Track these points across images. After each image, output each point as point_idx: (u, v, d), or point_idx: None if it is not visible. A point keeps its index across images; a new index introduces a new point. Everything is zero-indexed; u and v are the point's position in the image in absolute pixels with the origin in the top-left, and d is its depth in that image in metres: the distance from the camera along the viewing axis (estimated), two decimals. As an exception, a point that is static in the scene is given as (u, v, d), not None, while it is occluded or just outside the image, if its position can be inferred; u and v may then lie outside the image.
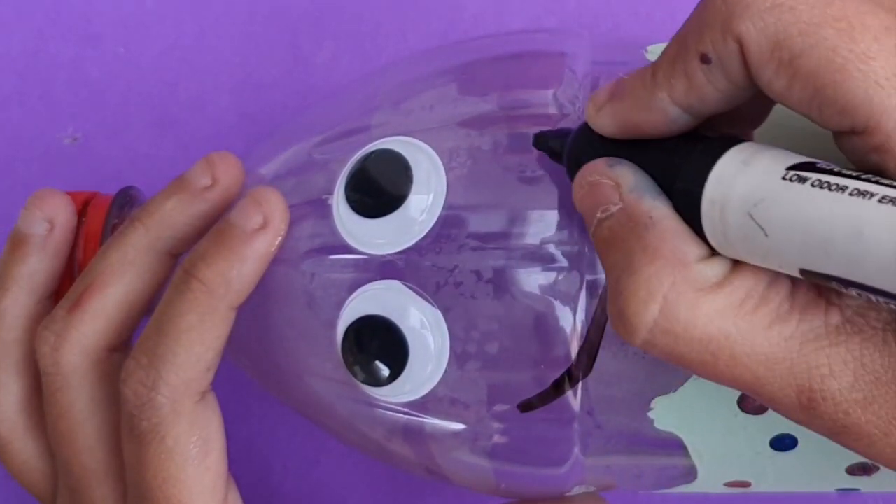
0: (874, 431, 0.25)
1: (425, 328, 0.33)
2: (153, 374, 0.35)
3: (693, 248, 0.27)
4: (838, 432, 0.26)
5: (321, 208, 0.35)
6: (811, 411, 0.26)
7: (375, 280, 0.34)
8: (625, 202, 0.28)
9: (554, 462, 0.35)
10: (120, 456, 0.37)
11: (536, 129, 0.33)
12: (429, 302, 0.33)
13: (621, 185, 0.28)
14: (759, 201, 0.25)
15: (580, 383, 0.33)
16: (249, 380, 0.42)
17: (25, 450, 0.39)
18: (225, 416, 0.37)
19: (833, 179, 0.24)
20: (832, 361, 0.25)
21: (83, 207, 0.40)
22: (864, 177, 0.23)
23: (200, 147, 0.52)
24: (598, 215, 0.29)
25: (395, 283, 0.33)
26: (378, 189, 0.34)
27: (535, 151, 0.33)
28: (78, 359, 0.37)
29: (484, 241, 0.33)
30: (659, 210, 0.27)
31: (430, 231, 0.33)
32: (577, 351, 0.32)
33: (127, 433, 0.35)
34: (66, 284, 0.39)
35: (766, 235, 0.25)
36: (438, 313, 0.33)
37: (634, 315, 0.27)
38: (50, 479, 0.40)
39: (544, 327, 0.32)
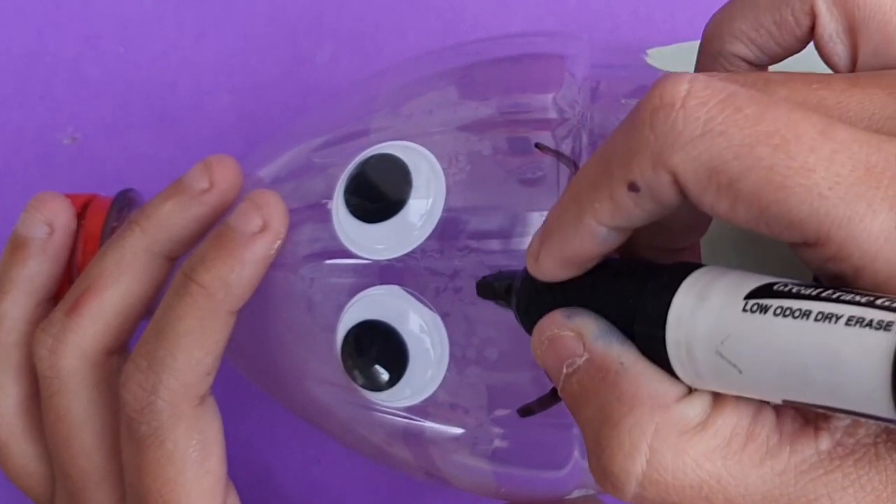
0: None
1: (425, 333, 0.33)
2: (153, 378, 0.34)
3: (670, 389, 0.25)
4: None
5: (321, 213, 0.35)
6: None
7: (375, 285, 0.33)
8: (591, 352, 0.26)
9: (554, 465, 0.35)
10: (117, 459, 0.37)
11: (536, 134, 0.33)
12: (428, 307, 0.33)
13: (584, 334, 0.27)
14: (725, 338, 0.24)
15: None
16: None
17: (23, 453, 0.39)
18: (225, 417, 0.37)
19: (795, 304, 0.23)
20: (830, 490, 0.24)
21: (82, 210, 0.40)
22: (824, 294, 0.23)
23: (200, 147, 0.52)
24: (565, 370, 0.27)
25: (395, 289, 0.33)
26: (377, 194, 0.34)
27: (535, 155, 0.33)
28: (75, 362, 0.37)
29: (483, 247, 0.33)
30: (627, 355, 0.26)
31: (429, 236, 0.33)
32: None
33: (126, 437, 0.35)
34: (66, 287, 0.39)
35: (740, 372, 0.24)
36: (438, 318, 0.33)
37: (621, 470, 0.25)
38: (47, 483, 0.40)
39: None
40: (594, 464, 0.26)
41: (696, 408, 0.25)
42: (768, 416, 0.25)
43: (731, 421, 0.25)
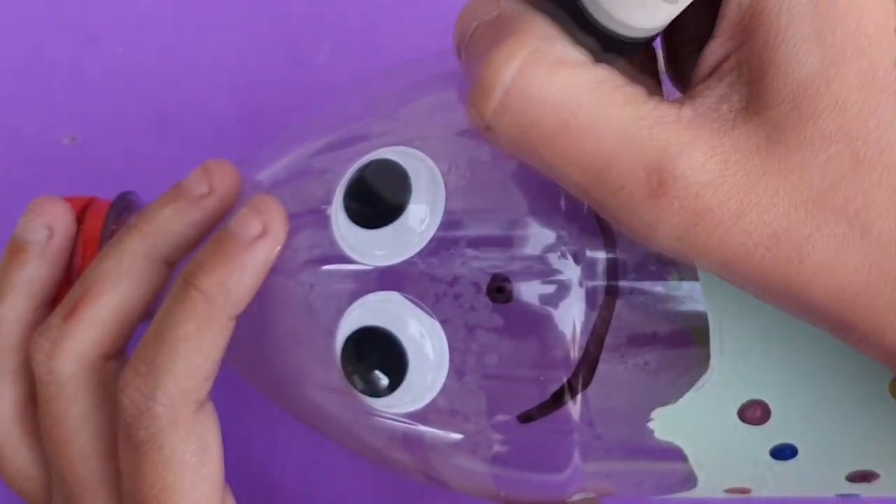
0: (726, 215, 0.26)
1: (424, 339, 0.33)
2: (151, 383, 0.34)
3: (561, 35, 0.27)
4: (693, 223, 0.26)
5: (320, 218, 0.35)
6: (661, 197, 0.26)
7: (374, 291, 0.33)
8: (501, 8, 0.28)
9: (554, 469, 0.35)
10: (115, 465, 0.37)
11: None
12: (428, 313, 0.33)
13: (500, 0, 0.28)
14: None
15: (580, 394, 0.33)
16: (248, 382, 0.42)
17: (19, 458, 0.39)
18: (224, 417, 0.37)
19: None
20: (683, 140, 0.26)
21: (81, 213, 0.40)
22: None
23: (199, 147, 0.52)
24: (473, 25, 0.29)
25: (394, 295, 0.33)
26: (376, 200, 0.33)
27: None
28: (73, 367, 0.37)
29: (483, 253, 0.33)
30: (531, 11, 0.28)
31: (428, 242, 0.33)
32: (576, 362, 0.32)
33: (124, 442, 0.35)
34: (64, 291, 0.39)
35: None
36: (437, 325, 0.33)
37: (492, 75, 0.27)
38: (44, 488, 0.39)
39: (544, 338, 0.32)
40: (470, 82, 0.27)
41: (579, 55, 0.27)
42: (643, 86, 0.27)
43: (608, 72, 0.27)
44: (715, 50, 0.28)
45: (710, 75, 0.28)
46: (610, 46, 0.28)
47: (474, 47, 0.28)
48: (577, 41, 0.28)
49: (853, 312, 0.26)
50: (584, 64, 0.27)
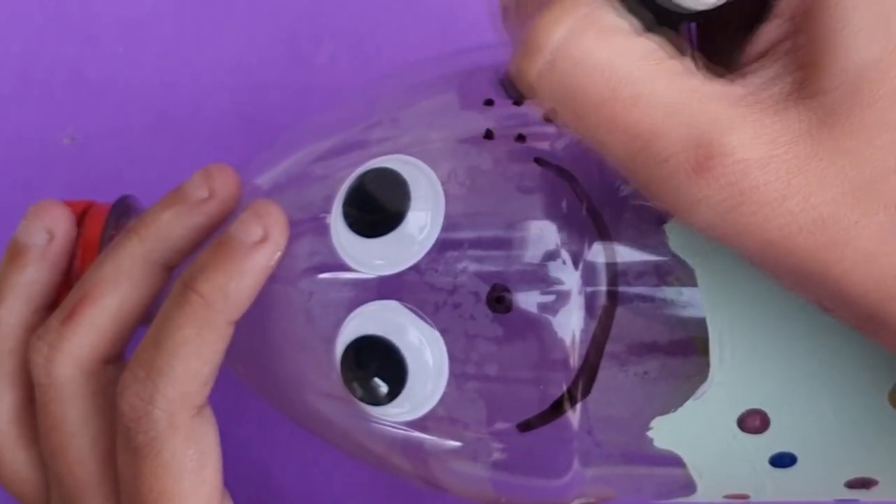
0: (772, 195, 0.25)
1: (424, 348, 0.33)
2: (150, 388, 0.34)
3: (614, 2, 0.27)
4: (737, 202, 0.26)
5: (320, 226, 0.35)
6: (707, 172, 0.25)
7: (374, 300, 0.33)
8: None
9: (554, 475, 0.35)
10: (113, 468, 0.37)
11: (535, 146, 0.33)
12: (427, 322, 0.33)
13: None
14: None
15: (579, 403, 0.33)
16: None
17: (17, 460, 0.39)
18: (223, 418, 0.37)
19: None
20: (732, 116, 0.26)
21: (81, 217, 0.40)
22: None
23: (199, 147, 0.52)
24: None
25: (394, 304, 0.33)
26: (375, 209, 0.33)
27: (536, 169, 0.33)
28: (71, 370, 0.37)
29: (482, 262, 0.33)
30: None
31: (428, 251, 0.33)
32: (576, 370, 0.32)
33: (123, 446, 0.35)
34: (64, 295, 0.39)
35: None
36: (437, 334, 0.33)
37: (541, 35, 0.26)
38: (42, 491, 0.39)
39: (543, 347, 0.32)
40: (522, 38, 0.27)
41: (633, 23, 0.27)
42: (695, 60, 0.27)
43: (660, 42, 0.27)
44: (771, 31, 0.27)
45: (763, 55, 0.27)
46: (665, 18, 0.28)
47: (524, 8, 0.28)
48: (633, 10, 0.27)
49: (891, 305, 0.26)
50: (633, 33, 0.27)
